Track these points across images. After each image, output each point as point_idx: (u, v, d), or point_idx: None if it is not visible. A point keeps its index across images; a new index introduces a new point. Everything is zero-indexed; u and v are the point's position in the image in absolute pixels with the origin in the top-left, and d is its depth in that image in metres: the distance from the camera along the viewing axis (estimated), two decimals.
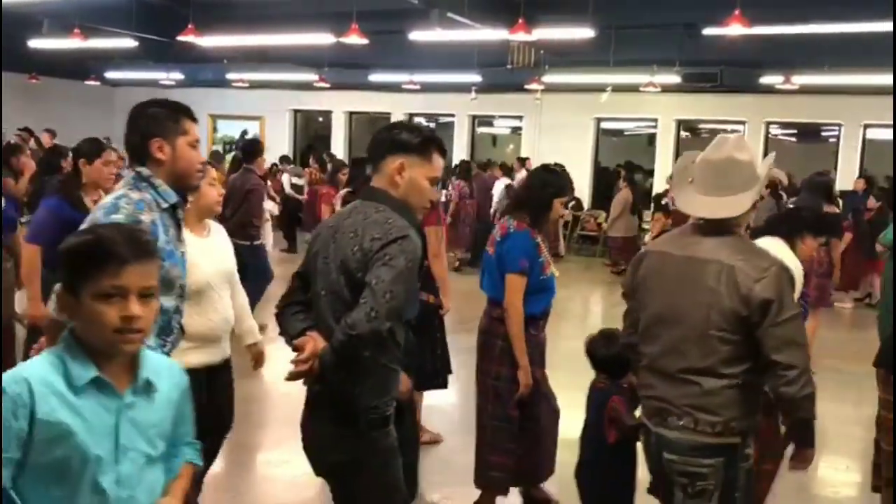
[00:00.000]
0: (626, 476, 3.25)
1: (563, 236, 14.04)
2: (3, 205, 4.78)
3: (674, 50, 12.21)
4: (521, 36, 8.99)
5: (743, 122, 14.96)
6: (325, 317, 2.36)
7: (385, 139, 2.47)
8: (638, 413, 2.93)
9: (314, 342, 2.31)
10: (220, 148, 19.42)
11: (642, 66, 12.68)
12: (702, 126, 17.40)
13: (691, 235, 2.59)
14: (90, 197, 4.01)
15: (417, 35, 10.59)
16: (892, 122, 14.42)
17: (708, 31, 8.71)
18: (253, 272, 6.68)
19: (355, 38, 9.36)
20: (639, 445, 2.90)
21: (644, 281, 2.67)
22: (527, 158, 14.13)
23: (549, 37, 10.45)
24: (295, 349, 2.36)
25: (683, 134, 16.61)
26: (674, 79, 12.70)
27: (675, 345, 2.51)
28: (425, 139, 2.45)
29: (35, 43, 13.36)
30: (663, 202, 11.22)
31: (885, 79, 11.54)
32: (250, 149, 7.54)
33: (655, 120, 15.61)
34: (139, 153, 2.49)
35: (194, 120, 2.56)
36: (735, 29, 7.33)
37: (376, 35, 12.01)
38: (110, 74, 17.60)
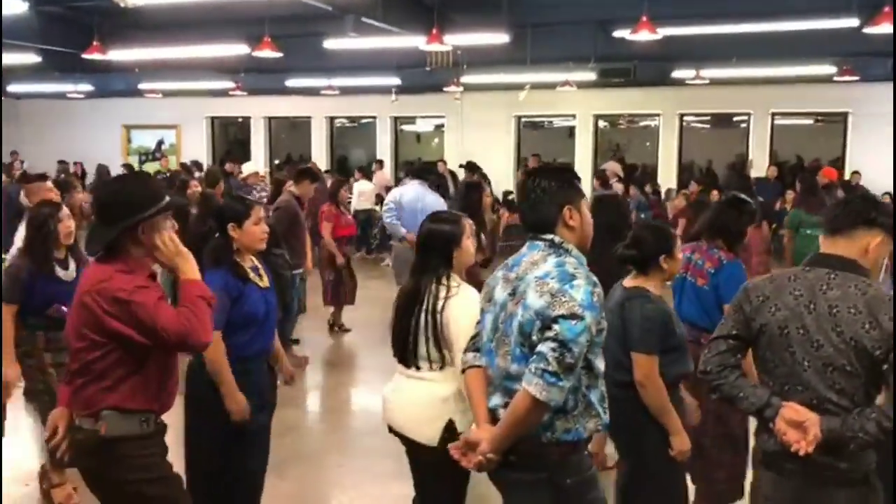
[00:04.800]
0: None
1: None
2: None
3: (588, 47, 12.40)
4: (435, 46, 8.99)
5: (658, 115, 15.37)
6: (814, 387, 2.41)
7: (863, 214, 2.49)
8: None
9: (806, 415, 2.37)
10: (135, 159, 18.90)
11: (559, 64, 12.86)
12: (620, 119, 17.84)
13: None
14: (245, 264, 3.41)
15: (332, 43, 10.48)
16: (797, 111, 15.12)
17: (618, 33, 8.88)
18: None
19: (268, 52, 9.20)
20: None
21: None
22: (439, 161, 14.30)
23: (464, 42, 10.49)
24: (763, 419, 2.48)
25: (603, 124, 16.96)
26: (589, 76, 12.92)
27: None
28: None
29: None
30: (510, 198, 11.57)
31: (788, 70, 12.04)
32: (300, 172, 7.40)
33: (574, 115, 15.88)
34: (551, 222, 2.50)
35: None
36: (643, 35, 7.52)
37: (292, 39, 11.84)
38: (13, 88, 16.85)
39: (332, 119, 17.60)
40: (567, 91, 13.59)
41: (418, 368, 3.01)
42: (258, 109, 17.55)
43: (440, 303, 2.94)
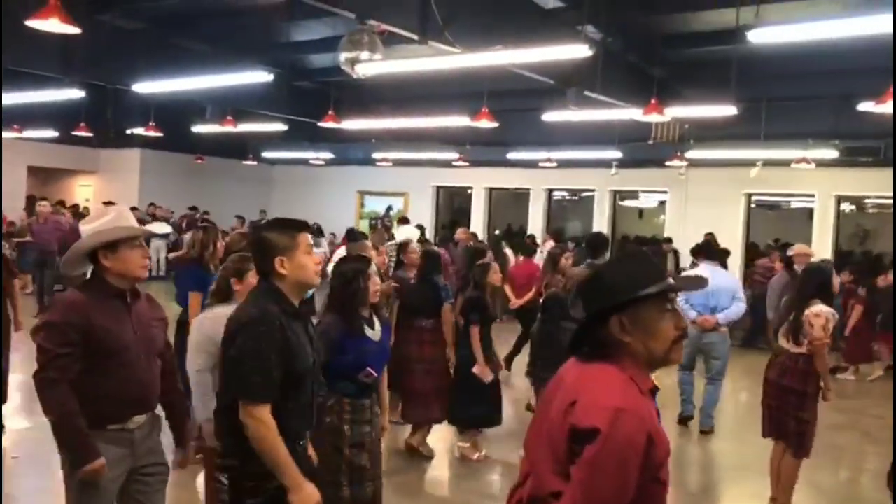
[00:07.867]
0: None
1: None
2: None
3: (829, 123, 11.43)
4: (654, 117, 8.67)
5: None
6: None
7: None
8: None
9: None
10: (366, 223, 20.06)
11: (795, 140, 11.97)
12: (867, 200, 16.23)
13: None
14: None
15: (551, 116, 10.51)
16: None
17: (863, 106, 8.03)
18: None
19: (485, 122, 9.39)
20: None
21: None
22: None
23: (688, 115, 10.05)
24: None
25: (849, 208, 15.48)
26: (830, 153, 11.88)
27: None
28: None
29: (198, 128, 14.42)
30: None
31: None
32: (595, 243, 7.40)
33: (812, 195, 14.63)
34: None
35: None
36: (889, 107, 6.72)
37: (512, 113, 12.02)
38: (267, 154, 18.70)
39: (550, 191, 17.61)
40: (805, 169, 12.58)
41: None
42: (480, 179, 17.97)
43: None
